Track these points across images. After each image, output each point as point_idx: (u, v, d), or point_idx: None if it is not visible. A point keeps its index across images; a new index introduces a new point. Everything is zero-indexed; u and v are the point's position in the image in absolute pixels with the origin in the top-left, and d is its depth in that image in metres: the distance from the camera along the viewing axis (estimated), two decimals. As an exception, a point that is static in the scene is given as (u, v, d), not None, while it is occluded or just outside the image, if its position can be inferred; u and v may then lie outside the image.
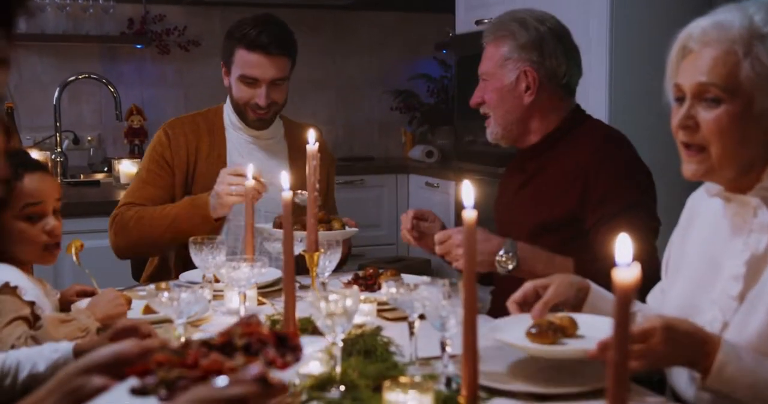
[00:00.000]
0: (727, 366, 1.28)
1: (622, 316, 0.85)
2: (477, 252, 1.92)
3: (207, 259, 1.80)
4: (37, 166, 1.75)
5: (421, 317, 1.43)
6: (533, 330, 1.42)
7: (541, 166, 2.14)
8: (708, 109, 1.40)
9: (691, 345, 1.29)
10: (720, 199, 1.49)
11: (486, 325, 1.46)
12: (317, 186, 1.73)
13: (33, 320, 1.62)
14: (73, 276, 2.03)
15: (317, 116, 4.85)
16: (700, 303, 1.48)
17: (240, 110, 2.50)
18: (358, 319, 1.71)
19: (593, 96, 3.15)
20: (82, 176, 4.00)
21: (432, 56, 4.84)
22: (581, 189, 2.01)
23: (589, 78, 3.16)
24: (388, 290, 1.47)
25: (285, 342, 1.09)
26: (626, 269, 0.84)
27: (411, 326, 1.46)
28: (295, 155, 2.59)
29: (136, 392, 0.96)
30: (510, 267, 1.93)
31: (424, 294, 1.40)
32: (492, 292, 2.28)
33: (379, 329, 1.68)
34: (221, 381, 0.93)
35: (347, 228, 2.18)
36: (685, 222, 1.64)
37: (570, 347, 1.41)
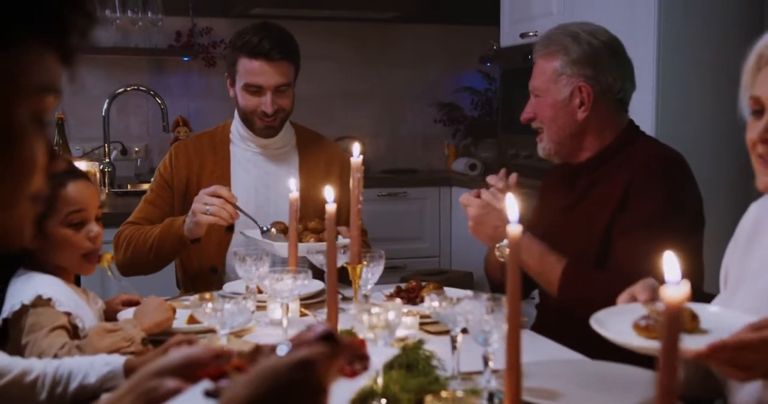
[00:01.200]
0: None
1: (672, 334, 0.83)
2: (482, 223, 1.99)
3: (250, 270, 1.81)
4: (79, 174, 1.78)
5: (464, 331, 1.42)
6: (642, 322, 1.28)
7: (592, 183, 2.11)
8: None
9: None
10: None
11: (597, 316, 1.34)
12: (360, 199, 1.73)
13: (72, 329, 1.65)
14: (120, 288, 2.08)
15: (362, 128, 4.88)
16: None
17: (247, 119, 2.52)
18: (400, 332, 1.71)
19: (640, 112, 3.11)
20: (129, 186, 4.06)
21: (476, 69, 4.84)
22: (618, 204, 1.99)
23: (636, 94, 3.14)
24: (430, 303, 1.46)
25: (353, 351, 1.09)
26: (675, 286, 0.83)
27: (453, 340, 1.45)
28: (306, 164, 2.59)
29: (209, 394, 0.96)
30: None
31: (466, 308, 1.38)
32: (537, 307, 2.26)
33: (421, 342, 1.67)
34: (281, 349, 0.92)
35: (340, 238, 2.17)
36: (748, 234, 1.55)
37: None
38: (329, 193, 1.56)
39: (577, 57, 2.07)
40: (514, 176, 2.12)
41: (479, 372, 1.41)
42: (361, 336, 1.34)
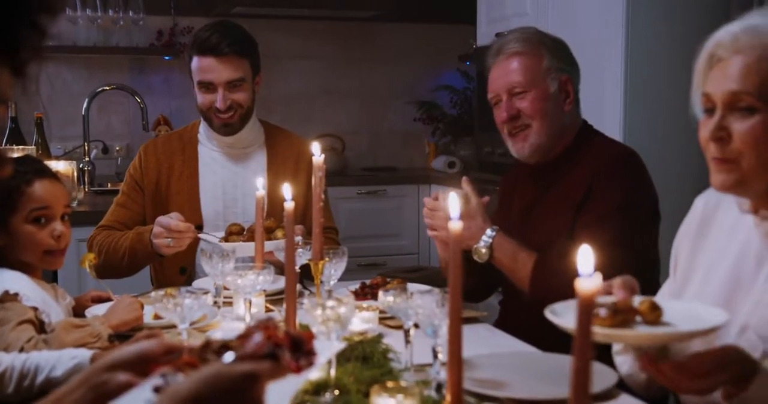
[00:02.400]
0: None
1: (584, 324, 0.88)
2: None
3: (216, 267, 1.86)
4: (47, 173, 1.82)
5: (417, 326, 1.47)
6: (595, 312, 1.25)
7: (553, 181, 2.15)
8: (741, 119, 1.34)
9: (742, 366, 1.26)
10: (753, 217, 1.43)
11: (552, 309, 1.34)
12: (322, 196, 1.77)
13: (39, 324, 1.69)
14: (97, 286, 2.13)
15: (343, 127, 4.93)
16: (728, 324, 1.36)
17: (206, 117, 2.54)
18: (360, 326, 1.76)
19: (608, 111, 3.17)
20: (109, 185, 4.09)
21: (455, 68, 4.88)
22: (580, 201, 2.04)
23: (605, 92, 3.20)
24: (384, 299, 1.51)
25: (300, 346, 1.13)
26: (588, 279, 0.88)
27: (406, 333, 1.50)
28: (275, 163, 2.60)
29: (157, 390, 0.98)
30: (485, 258, 2.00)
31: (418, 302, 1.43)
32: (500, 303, 2.31)
33: (380, 336, 1.72)
34: (228, 356, 0.96)
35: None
36: (696, 225, 1.57)
37: (624, 332, 1.26)
38: (287, 190, 1.60)
39: (558, 52, 2.15)
40: (464, 180, 2.17)
41: (432, 364, 1.46)
42: (314, 329, 1.38)
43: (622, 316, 1.24)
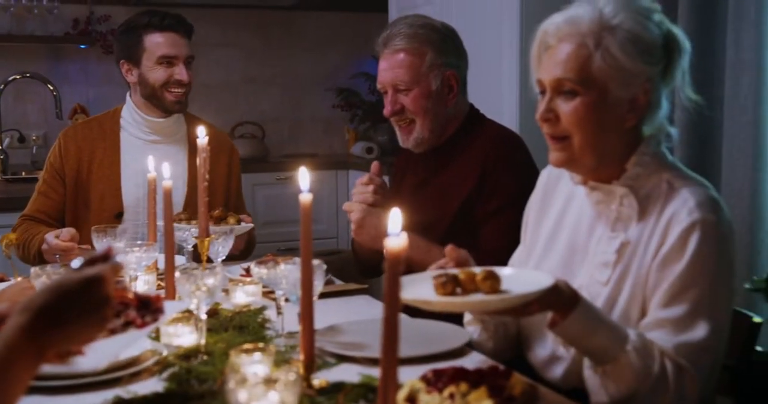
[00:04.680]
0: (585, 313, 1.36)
1: (393, 280, 0.99)
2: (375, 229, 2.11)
3: (105, 246, 1.92)
4: None
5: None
6: (438, 280, 1.37)
7: (443, 163, 2.23)
8: (566, 101, 1.46)
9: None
10: (584, 188, 1.56)
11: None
12: (207, 177, 1.85)
13: None
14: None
15: (263, 114, 4.99)
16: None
17: (157, 96, 2.59)
18: (243, 299, 1.86)
19: (506, 95, 3.30)
20: (23, 173, 4.09)
21: (372, 55, 4.97)
22: (476, 183, 2.13)
23: (501, 80, 3.33)
24: (257, 270, 1.60)
25: (148, 306, 1.23)
26: (396, 238, 0.98)
27: (277, 303, 1.59)
28: (195, 153, 2.66)
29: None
30: None
31: (285, 272, 1.53)
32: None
33: (263, 308, 1.82)
34: (75, 263, 1.06)
35: (243, 224, 2.31)
36: (540, 196, 1.72)
37: (459, 299, 1.34)
38: (166, 169, 1.68)
39: (443, 47, 2.19)
40: (375, 164, 2.25)
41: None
42: (185, 299, 1.47)
43: (452, 286, 1.34)
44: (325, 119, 5.14)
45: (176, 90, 2.58)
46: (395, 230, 0.99)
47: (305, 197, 1.29)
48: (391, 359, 0.99)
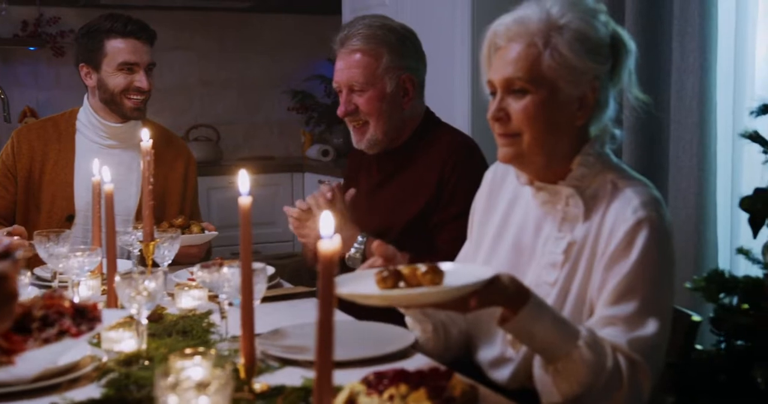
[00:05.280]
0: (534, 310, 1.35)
1: (327, 282, 0.99)
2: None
3: (48, 251, 1.89)
4: None
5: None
6: (380, 274, 1.35)
7: (398, 167, 2.23)
8: (517, 100, 1.48)
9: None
10: (530, 188, 1.57)
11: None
12: (152, 180, 1.83)
13: None
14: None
15: (218, 117, 4.96)
16: None
17: (116, 102, 2.55)
18: (189, 304, 1.84)
19: (458, 98, 3.32)
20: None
21: (327, 58, 4.97)
22: (434, 190, 2.13)
23: (453, 81, 3.34)
24: (199, 274, 1.58)
25: (84, 314, 1.21)
26: (329, 241, 0.98)
27: (221, 306, 1.58)
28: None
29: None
30: (359, 264, 2.08)
31: (228, 275, 1.52)
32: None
33: (209, 312, 1.81)
34: None
35: (206, 232, 2.30)
36: (486, 195, 1.72)
37: (394, 292, 1.32)
38: (105, 173, 1.66)
39: (400, 49, 2.19)
40: (351, 191, 2.21)
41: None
42: (125, 303, 1.45)
43: (393, 280, 1.33)
44: (281, 122, 5.13)
45: (135, 97, 2.55)
46: (327, 233, 0.98)
47: (244, 200, 1.28)
48: (325, 362, 0.99)
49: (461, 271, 1.40)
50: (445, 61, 3.33)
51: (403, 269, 1.37)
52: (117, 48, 2.52)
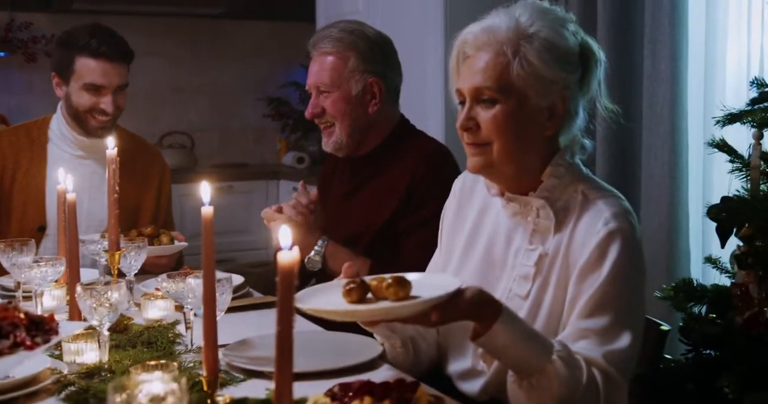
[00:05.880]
0: (505, 326, 1.32)
1: (285, 293, 0.97)
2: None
3: (11, 260, 1.86)
4: None
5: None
6: (342, 290, 1.33)
7: (371, 174, 2.22)
8: (485, 109, 1.46)
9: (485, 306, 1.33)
10: (500, 199, 1.55)
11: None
12: (117, 188, 1.80)
13: None
14: None
15: (192, 124, 4.93)
16: None
17: (81, 119, 2.50)
18: (155, 314, 1.81)
19: (431, 106, 3.31)
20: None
21: (301, 64, 4.96)
22: (404, 195, 2.12)
23: (426, 89, 3.34)
24: (165, 284, 1.56)
25: (40, 326, 1.18)
26: (288, 253, 0.96)
27: (185, 316, 1.55)
28: (125, 169, 2.60)
29: None
30: (318, 267, 2.06)
31: (192, 285, 1.50)
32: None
33: (175, 323, 1.78)
34: None
35: (176, 242, 2.27)
36: (455, 206, 1.70)
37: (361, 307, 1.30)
38: (69, 182, 1.63)
39: (368, 54, 2.18)
40: (314, 191, 2.21)
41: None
42: (86, 314, 1.42)
43: (358, 293, 1.30)
44: (256, 129, 5.10)
45: (100, 117, 2.49)
46: (286, 244, 0.97)
47: (206, 210, 1.26)
48: (285, 374, 0.98)
49: (428, 282, 1.38)
50: (417, 68, 3.32)
51: (371, 281, 1.35)
52: (86, 67, 2.44)
